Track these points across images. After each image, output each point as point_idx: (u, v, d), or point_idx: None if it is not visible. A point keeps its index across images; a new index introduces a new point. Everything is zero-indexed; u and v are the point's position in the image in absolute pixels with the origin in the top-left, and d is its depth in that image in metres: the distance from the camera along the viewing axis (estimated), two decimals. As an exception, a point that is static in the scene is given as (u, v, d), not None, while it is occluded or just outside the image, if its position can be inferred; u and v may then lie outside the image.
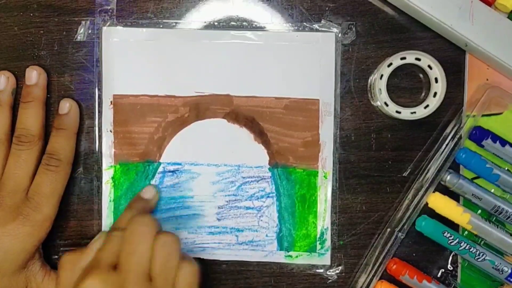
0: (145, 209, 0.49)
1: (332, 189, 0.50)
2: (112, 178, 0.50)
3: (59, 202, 0.48)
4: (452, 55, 0.50)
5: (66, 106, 0.49)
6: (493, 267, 0.48)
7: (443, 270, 0.50)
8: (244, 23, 0.50)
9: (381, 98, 0.48)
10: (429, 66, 0.48)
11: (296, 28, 0.50)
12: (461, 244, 0.48)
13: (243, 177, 0.50)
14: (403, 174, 0.50)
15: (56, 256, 0.51)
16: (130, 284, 0.40)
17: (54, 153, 0.48)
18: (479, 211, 0.49)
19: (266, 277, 0.50)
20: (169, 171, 0.50)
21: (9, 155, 0.48)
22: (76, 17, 0.50)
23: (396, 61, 0.48)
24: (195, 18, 0.50)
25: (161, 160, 0.50)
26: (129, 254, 0.41)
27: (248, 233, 0.50)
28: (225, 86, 0.50)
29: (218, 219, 0.50)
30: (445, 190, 0.48)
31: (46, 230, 0.47)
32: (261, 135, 0.50)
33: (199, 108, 0.50)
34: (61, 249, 0.51)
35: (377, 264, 0.49)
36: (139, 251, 0.41)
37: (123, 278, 0.40)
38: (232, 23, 0.50)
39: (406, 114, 0.48)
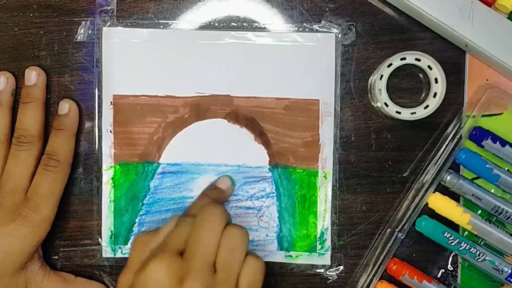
0: (218, 199, 0.49)
1: (332, 189, 0.50)
2: (112, 178, 0.50)
3: (58, 202, 0.48)
4: (452, 56, 0.50)
5: (66, 106, 0.49)
6: (493, 268, 0.48)
7: (443, 270, 0.50)
8: (244, 24, 0.50)
9: (381, 99, 0.48)
10: (429, 67, 0.48)
11: (296, 28, 0.50)
12: (461, 245, 0.48)
13: (244, 178, 0.50)
14: (403, 175, 0.50)
15: (56, 257, 0.51)
16: (193, 271, 0.40)
17: (53, 154, 0.48)
18: (479, 212, 0.49)
19: (266, 277, 0.50)
20: (169, 172, 0.50)
21: (9, 155, 0.48)
22: (76, 17, 0.50)
23: (396, 61, 0.48)
24: (195, 19, 0.50)
25: (161, 161, 0.50)
26: (196, 241, 0.41)
27: (249, 233, 0.50)
28: (225, 87, 0.50)
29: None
30: (445, 190, 0.48)
31: (45, 230, 0.47)
32: (261, 136, 0.50)
33: (200, 108, 0.50)
34: (61, 249, 0.51)
35: (377, 264, 0.49)
36: (206, 239, 0.41)
37: (188, 265, 0.40)
38: (232, 23, 0.50)
39: (406, 114, 0.48)
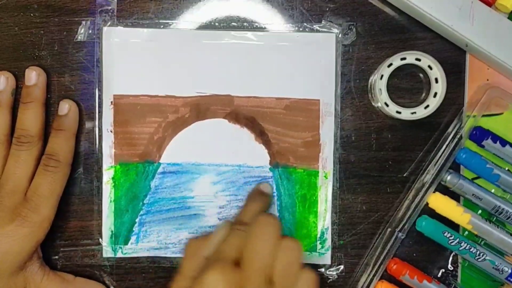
0: (265, 204, 0.48)
1: (333, 189, 0.50)
2: (112, 178, 0.50)
3: (58, 203, 0.48)
4: (453, 56, 0.50)
5: (66, 107, 0.49)
6: (493, 267, 0.48)
7: (443, 270, 0.50)
8: (245, 24, 0.50)
9: (382, 99, 0.48)
10: (429, 67, 0.48)
11: (296, 28, 0.50)
12: (462, 244, 0.48)
13: (244, 177, 0.50)
14: (404, 174, 0.50)
15: (56, 257, 0.50)
16: (251, 284, 0.39)
17: (53, 154, 0.48)
18: (480, 211, 0.49)
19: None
20: (170, 172, 0.50)
21: (9, 155, 0.48)
22: (77, 17, 0.50)
23: (396, 61, 0.48)
24: (195, 19, 0.50)
25: (161, 161, 0.50)
26: (254, 253, 0.40)
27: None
28: (225, 87, 0.50)
29: (219, 219, 0.50)
30: (445, 190, 0.48)
31: (44, 231, 0.47)
32: (261, 135, 0.50)
33: (200, 108, 0.50)
34: (61, 249, 0.51)
35: (378, 264, 0.49)
36: (264, 251, 0.40)
37: (245, 277, 0.39)
38: (233, 23, 0.50)
39: (406, 114, 0.48)
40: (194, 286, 0.40)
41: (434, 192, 0.48)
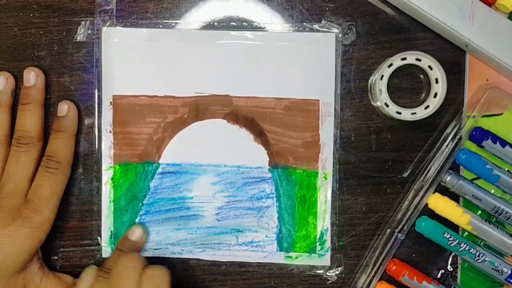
0: (132, 249, 0.49)
1: (332, 190, 0.50)
2: (112, 178, 0.50)
3: (59, 204, 0.48)
4: (453, 56, 0.49)
5: (65, 108, 0.49)
6: (493, 268, 0.48)
7: (443, 271, 0.50)
8: (244, 24, 0.50)
9: (382, 99, 0.48)
10: (430, 67, 0.48)
11: (296, 28, 0.49)
12: (461, 245, 0.47)
13: (243, 178, 0.50)
14: (403, 175, 0.50)
15: (55, 257, 0.51)
16: None
17: (54, 156, 0.48)
18: (479, 212, 0.49)
19: (265, 278, 0.50)
20: (169, 172, 0.50)
21: (9, 156, 0.48)
22: (76, 17, 0.50)
23: (396, 61, 0.48)
24: (195, 19, 0.50)
25: (160, 161, 0.50)
26: None
27: (248, 233, 0.50)
28: (224, 87, 0.50)
29: (218, 220, 0.50)
30: (445, 191, 0.48)
31: (45, 232, 0.47)
32: (261, 136, 0.50)
33: (199, 108, 0.50)
34: (60, 249, 0.51)
35: (377, 265, 0.49)
36: (126, 287, 0.41)
37: None
38: (232, 23, 0.50)
39: (406, 114, 0.48)
40: None
41: (433, 192, 0.48)
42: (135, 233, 0.49)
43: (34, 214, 0.46)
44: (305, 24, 0.50)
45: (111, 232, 0.50)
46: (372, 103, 0.50)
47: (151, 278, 0.42)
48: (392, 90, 0.49)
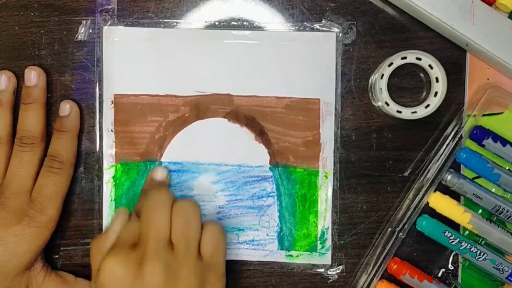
0: (160, 186, 0.48)
1: (333, 188, 0.50)
2: (113, 177, 0.50)
3: (63, 203, 0.48)
4: (453, 55, 0.50)
5: (67, 108, 0.49)
6: (494, 267, 0.48)
7: (443, 269, 0.50)
8: (245, 23, 0.50)
9: (382, 98, 0.48)
10: (430, 66, 0.48)
11: (296, 27, 0.50)
12: (462, 244, 0.48)
13: (244, 177, 0.50)
14: (404, 174, 0.50)
15: (56, 256, 0.51)
16: (149, 253, 0.40)
17: (57, 155, 0.48)
18: (480, 211, 0.49)
19: (266, 277, 0.50)
20: (170, 171, 0.50)
21: (12, 156, 0.48)
22: (77, 16, 0.50)
23: (397, 60, 0.48)
24: (196, 18, 0.50)
25: (162, 160, 0.50)
26: (147, 225, 0.41)
27: (249, 232, 0.50)
28: (225, 86, 0.50)
29: (219, 219, 0.50)
30: (445, 189, 0.48)
31: (50, 231, 0.47)
32: (261, 135, 0.50)
33: (200, 107, 0.50)
34: (61, 248, 0.51)
35: (378, 263, 0.49)
36: (156, 220, 0.41)
37: (143, 251, 0.40)
38: (233, 22, 0.50)
39: (407, 113, 0.48)
40: (94, 278, 0.41)
41: (434, 191, 0.48)
42: (159, 173, 0.49)
43: (40, 214, 0.46)
44: (305, 23, 0.50)
45: (112, 231, 0.50)
46: (372, 102, 0.50)
47: (181, 209, 0.42)
48: (393, 89, 0.49)
